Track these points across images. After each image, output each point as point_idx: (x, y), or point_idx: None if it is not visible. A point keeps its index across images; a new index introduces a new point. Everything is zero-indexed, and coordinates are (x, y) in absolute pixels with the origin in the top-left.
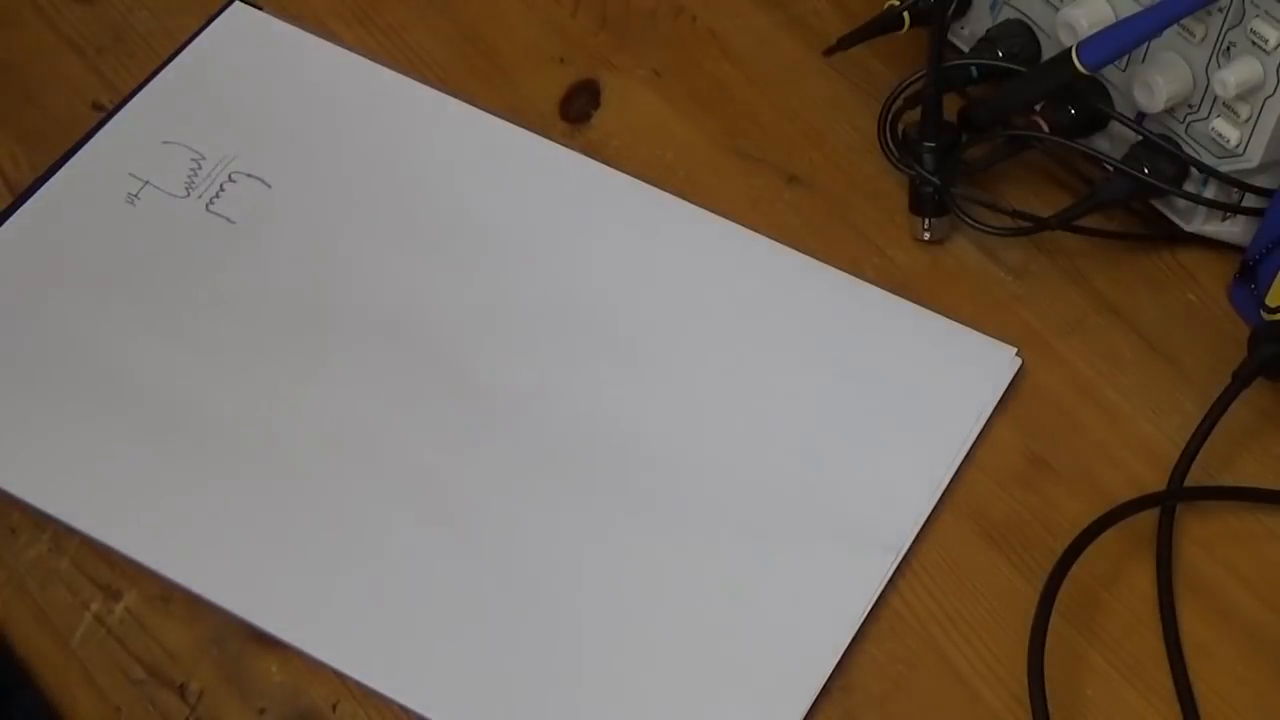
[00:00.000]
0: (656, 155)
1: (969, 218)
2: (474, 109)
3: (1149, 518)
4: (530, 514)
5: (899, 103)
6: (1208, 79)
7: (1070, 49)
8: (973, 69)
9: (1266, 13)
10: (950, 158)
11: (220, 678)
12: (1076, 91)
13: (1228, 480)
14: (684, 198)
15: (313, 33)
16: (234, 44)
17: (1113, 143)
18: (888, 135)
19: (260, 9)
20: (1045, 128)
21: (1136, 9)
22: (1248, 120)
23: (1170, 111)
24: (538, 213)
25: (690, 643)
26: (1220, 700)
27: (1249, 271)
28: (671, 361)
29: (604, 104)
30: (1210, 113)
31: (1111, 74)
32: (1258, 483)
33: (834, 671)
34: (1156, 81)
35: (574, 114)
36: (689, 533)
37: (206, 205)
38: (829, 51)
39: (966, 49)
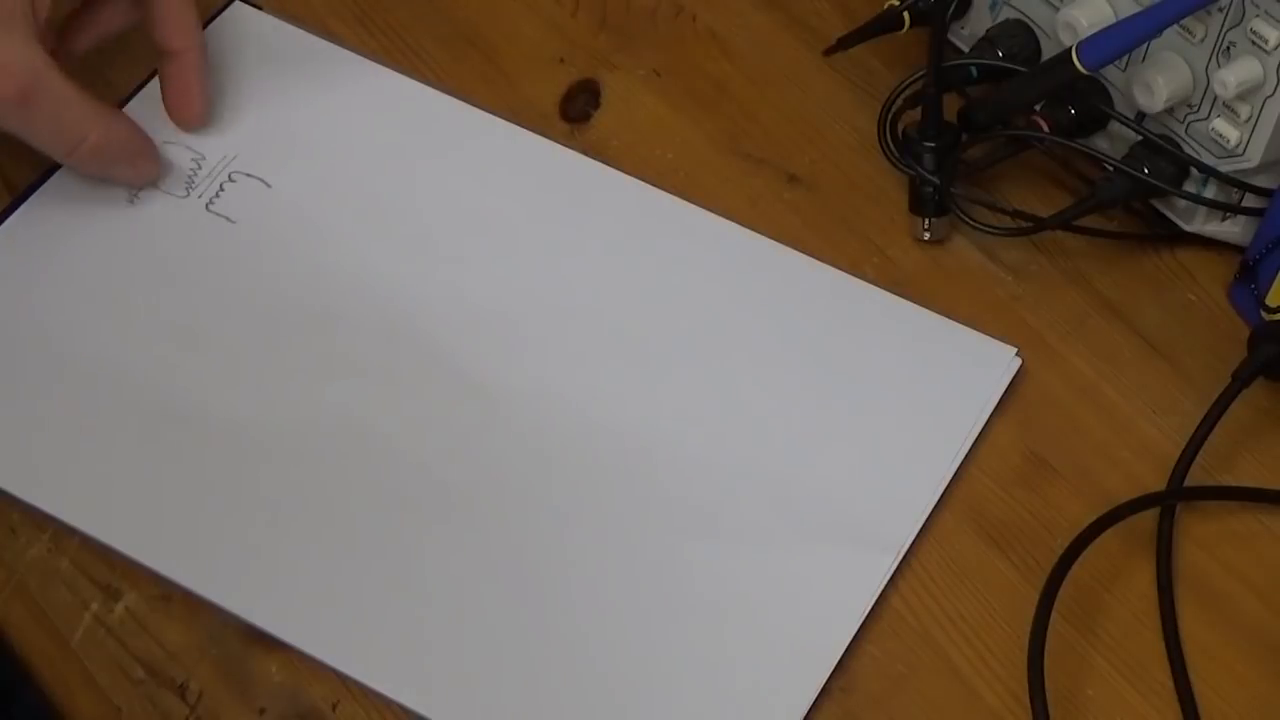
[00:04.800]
0: (656, 155)
1: (969, 218)
2: (474, 109)
3: (1149, 518)
4: (530, 513)
5: (899, 103)
6: (1208, 79)
7: (1070, 49)
8: (973, 69)
9: (1266, 13)
10: (950, 158)
11: (220, 678)
12: (1076, 91)
13: (1228, 480)
14: (684, 198)
15: (313, 33)
16: (234, 44)
17: (1113, 143)
18: (888, 135)
19: (260, 9)
20: (1045, 128)
21: (1136, 9)
22: (1248, 120)
23: (1170, 111)
24: (538, 213)
25: (690, 642)
26: (1220, 700)
27: (1249, 271)
28: (671, 361)
29: (604, 104)
30: (1210, 113)
31: (1111, 74)
32: (1258, 483)
33: (834, 671)
34: (1156, 81)
35: (574, 114)
36: (688, 533)
37: (206, 205)
38: (829, 51)
39: (966, 49)
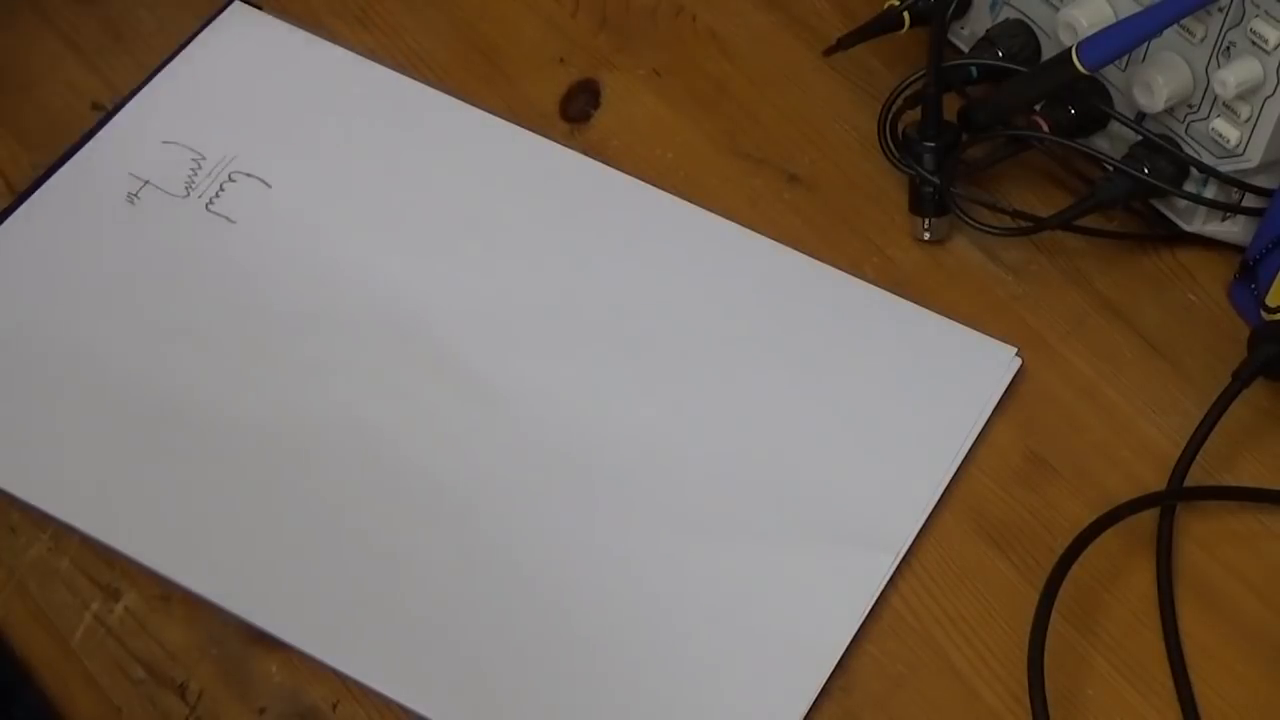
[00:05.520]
0: (656, 155)
1: (969, 218)
2: (474, 109)
3: (1149, 518)
4: (531, 513)
5: (899, 103)
6: (1208, 79)
7: (1070, 49)
8: (973, 69)
9: (1266, 13)
10: (950, 158)
11: (220, 678)
12: (1076, 91)
13: (1228, 480)
14: (684, 198)
15: (313, 33)
16: (234, 44)
17: (1113, 143)
18: (888, 135)
19: (260, 9)
20: (1045, 128)
21: (1136, 9)
22: (1248, 120)
23: (1170, 111)
24: (538, 213)
25: (691, 642)
26: (1220, 700)
27: (1249, 271)
28: (671, 361)
29: (604, 104)
30: (1210, 113)
31: (1111, 74)
32: (1258, 483)
33: (834, 671)
34: (1156, 81)
35: (574, 114)
36: (689, 533)
37: (206, 205)
38: (829, 51)
39: (966, 49)
